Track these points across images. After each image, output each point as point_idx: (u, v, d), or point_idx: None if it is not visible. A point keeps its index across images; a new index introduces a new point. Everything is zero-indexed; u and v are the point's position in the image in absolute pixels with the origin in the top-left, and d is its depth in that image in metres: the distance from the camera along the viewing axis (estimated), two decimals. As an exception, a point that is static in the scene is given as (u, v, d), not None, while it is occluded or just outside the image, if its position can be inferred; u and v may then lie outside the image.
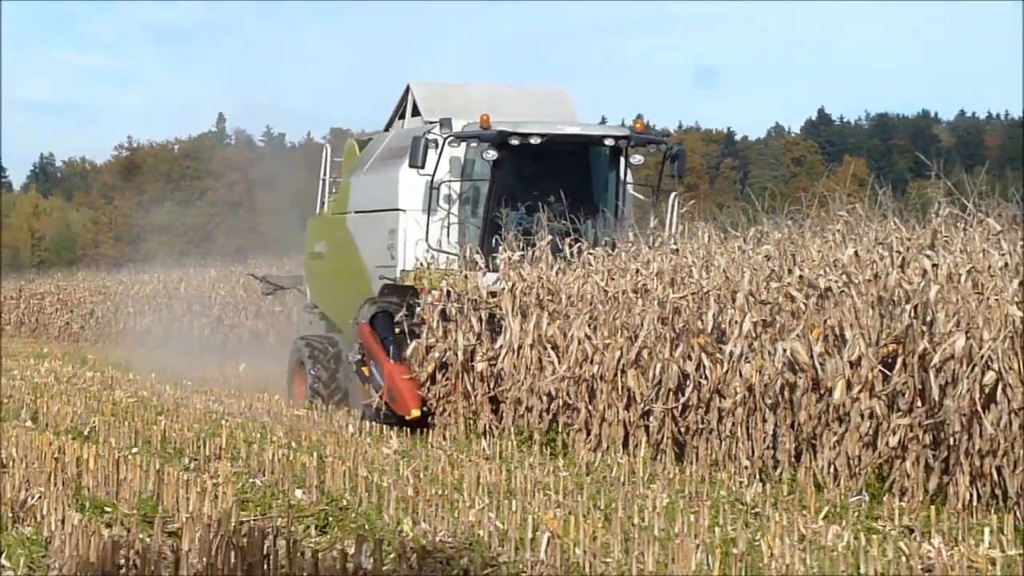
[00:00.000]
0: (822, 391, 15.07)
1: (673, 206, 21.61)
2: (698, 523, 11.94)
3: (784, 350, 15.48)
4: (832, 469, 14.76)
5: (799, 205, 18.17)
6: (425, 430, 19.43)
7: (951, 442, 13.48)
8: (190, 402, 24.02)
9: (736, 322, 16.41)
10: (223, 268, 47.73)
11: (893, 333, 14.48)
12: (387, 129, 24.02)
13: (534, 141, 20.47)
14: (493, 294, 19.46)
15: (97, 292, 57.71)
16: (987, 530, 11.63)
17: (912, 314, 14.22)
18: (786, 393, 15.53)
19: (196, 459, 16.49)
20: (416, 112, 22.75)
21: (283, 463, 15.40)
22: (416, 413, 19.55)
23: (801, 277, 16.05)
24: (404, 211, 21.40)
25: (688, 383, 16.89)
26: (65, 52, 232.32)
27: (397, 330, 20.39)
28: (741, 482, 15.12)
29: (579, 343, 18.38)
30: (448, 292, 19.95)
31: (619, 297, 18.24)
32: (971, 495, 13.18)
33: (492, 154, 20.52)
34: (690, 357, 16.92)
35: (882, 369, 14.56)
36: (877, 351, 14.62)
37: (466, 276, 19.89)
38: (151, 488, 13.38)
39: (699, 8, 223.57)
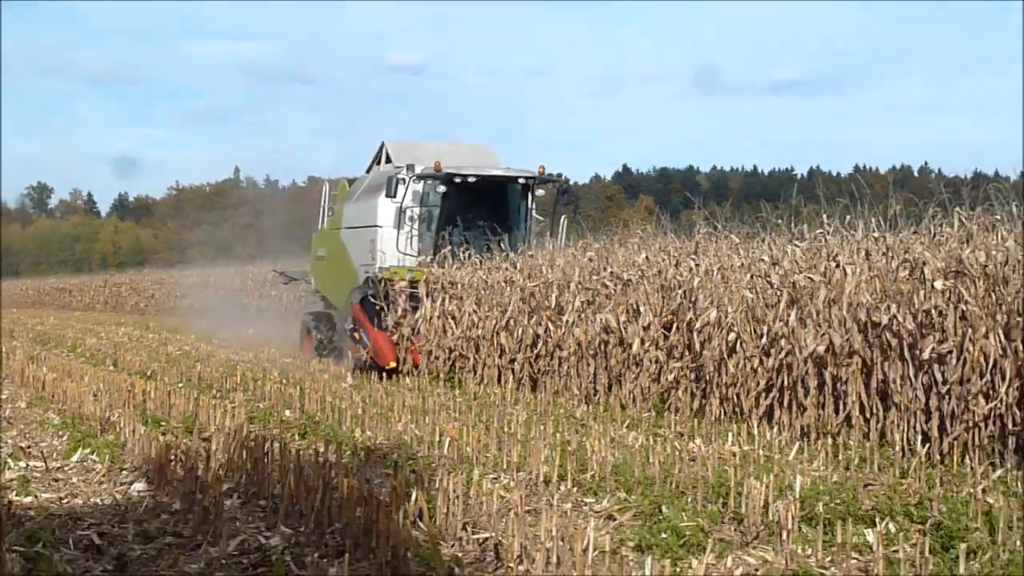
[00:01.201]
0: (625, 346, 15.11)
1: (562, 225, 21.49)
2: (546, 431, 11.93)
3: (601, 319, 15.50)
4: (632, 396, 14.80)
5: (611, 227, 18.27)
6: (369, 371, 19.24)
7: (707, 378, 13.56)
8: (217, 354, 23.68)
9: (570, 301, 16.41)
10: (239, 268, 47.31)
11: (671, 308, 14.56)
12: (367, 172, 23.71)
13: (471, 179, 20.16)
14: (452, 283, 19.19)
15: (156, 283, 57.70)
16: (730, 434, 11.70)
17: (683, 296, 14.29)
18: (602, 347, 15.54)
19: (220, 390, 16.29)
20: (388, 159, 22.36)
21: (277, 393, 15.22)
22: (393, 364, 19.18)
23: (612, 272, 16.09)
24: (381, 227, 21.00)
25: (539, 341, 16.87)
26: (134, 127, 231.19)
27: (377, 307, 20.17)
28: (574, 404, 15.11)
29: (469, 315, 18.30)
30: (411, 282, 19.72)
31: (495, 285, 18.20)
32: (721, 412, 13.27)
33: (442, 189, 20.20)
34: (540, 324, 16.90)
35: (664, 331, 14.63)
36: (660, 320, 14.69)
37: (433, 270, 19.54)
38: (191, 409, 13.16)
39: (557, 95, 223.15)
